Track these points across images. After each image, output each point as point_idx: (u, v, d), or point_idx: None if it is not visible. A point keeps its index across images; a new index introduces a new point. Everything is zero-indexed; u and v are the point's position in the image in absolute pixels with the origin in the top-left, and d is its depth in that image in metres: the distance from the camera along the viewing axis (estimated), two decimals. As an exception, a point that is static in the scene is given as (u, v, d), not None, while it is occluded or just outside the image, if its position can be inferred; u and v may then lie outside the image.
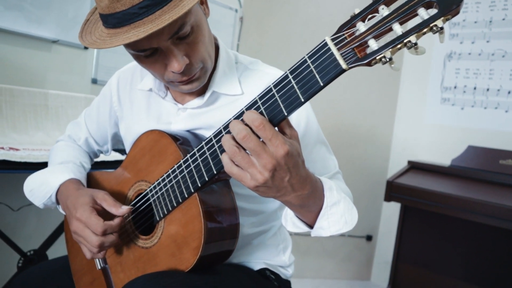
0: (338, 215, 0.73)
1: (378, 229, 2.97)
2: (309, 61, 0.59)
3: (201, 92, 0.91)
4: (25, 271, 1.05)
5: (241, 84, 0.90)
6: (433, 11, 0.54)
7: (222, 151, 0.65)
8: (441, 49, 2.64)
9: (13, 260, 1.86)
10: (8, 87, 1.73)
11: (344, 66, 0.56)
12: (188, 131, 0.90)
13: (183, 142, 0.82)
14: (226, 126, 0.66)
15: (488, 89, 2.45)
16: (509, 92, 2.38)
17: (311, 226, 0.75)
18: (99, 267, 0.95)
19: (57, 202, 0.96)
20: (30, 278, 1.01)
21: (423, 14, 0.53)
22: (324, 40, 0.58)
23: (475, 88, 2.50)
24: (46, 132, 1.82)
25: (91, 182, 1.01)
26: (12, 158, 1.45)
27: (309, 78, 0.58)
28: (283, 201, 0.68)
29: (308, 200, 0.68)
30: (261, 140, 0.60)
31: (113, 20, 0.72)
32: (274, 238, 1.01)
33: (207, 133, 0.89)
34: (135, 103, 1.00)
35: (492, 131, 2.44)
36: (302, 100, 0.59)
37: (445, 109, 2.62)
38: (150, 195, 0.83)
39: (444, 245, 2.32)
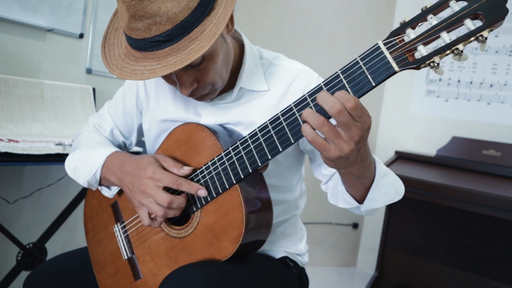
0: (388, 186, 0.78)
1: (364, 217, 3.07)
2: (361, 63, 0.62)
3: (228, 88, 0.93)
4: (39, 266, 1.04)
5: (267, 80, 0.93)
6: (478, 22, 0.58)
7: (294, 127, 0.68)
8: (427, 43, 2.73)
9: (10, 253, 1.84)
10: (3, 77, 1.69)
11: (396, 69, 0.60)
12: (219, 125, 0.92)
13: (220, 134, 0.84)
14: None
15: (471, 82, 2.56)
16: (491, 85, 2.50)
17: (359, 202, 0.80)
18: (126, 257, 0.96)
19: (100, 183, 0.95)
20: (46, 272, 1.01)
21: (469, 24, 0.58)
22: (377, 44, 0.62)
23: (459, 81, 2.61)
24: (43, 124, 1.79)
25: None
26: (14, 150, 1.43)
27: (361, 78, 0.62)
28: (345, 172, 0.72)
29: (365, 170, 0.72)
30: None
31: (129, 41, 0.76)
32: (294, 228, 1.06)
33: (235, 128, 0.92)
34: (161, 94, 1.01)
35: (475, 123, 2.56)
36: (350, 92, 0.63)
37: (430, 101, 2.72)
38: None
39: (430, 232, 2.44)
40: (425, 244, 2.43)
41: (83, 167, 0.94)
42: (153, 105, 1.03)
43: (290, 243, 1.05)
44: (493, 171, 2.28)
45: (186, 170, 0.83)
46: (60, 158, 1.52)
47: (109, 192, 0.97)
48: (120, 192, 0.99)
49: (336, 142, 0.63)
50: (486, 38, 0.57)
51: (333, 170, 0.93)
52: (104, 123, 1.10)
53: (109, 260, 1.00)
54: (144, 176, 0.81)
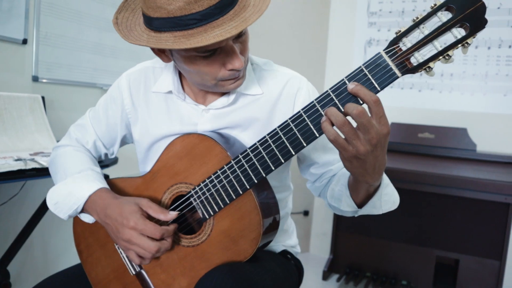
0: (388, 195, 0.85)
1: (313, 205, 3.23)
2: (365, 70, 0.70)
3: (222, 93, 0.95)
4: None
5: (260, 85, 0.97)
6: (462, 30, 0.68)
7: (315, 124, 0.72)
8: (362, 38, 2.94)
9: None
10: None
11: (399, 74, 0.68)
12: (216, 132, 0.95)
13: (220, 142, 0.86)
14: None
15: (403, 72, 2.80)
16: (420, 74, 2.75)
17: (358, 206, 0.87)
18: (134, 272, 0.95)
19: (82, 211, 0.93)
20: None
21: (456, 33, 0.68)
22: (379, 53, 0.69)
23: (392, 72, 2.83)
24: (-8, 138, 1.67)
25: (113, 189, 0.96)
26: (-28, 169, 1.33)
27: (367, 84, 0.70)
28: (362, 180, 0.75)
29: (376, 181, 0.77)
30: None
31: (186, 22, 0.73)
32: (286, 223, 1.13)
33: (233, 132, 0.95)
34: (152, 106, 1.00)
35: (409, 109, 2.81)
36: (361, 102, 0.71)
37: (368, 91, 2.92)
38: (196, 196, 0.87)
39: (378, 212, 2.64)
40: (373, 224, 2.64)
41: (65, 202, 0.91)
42: (144, 117, 1.02)
43: (285, 237, 1.12)
44: (429, 152, 2.54)
45: (173, 214, 0.84)
46: (21, 174, 1.43)
47: (89, 218, 0.95)
48: None
49: (354, 143, 0.68)
50: (469, 44, 0.68)
51: (322, 170, 0.99)
52: (86, 134, 1.08)
53: (112, 278, 0.98)
54: (127, 226, 0.82)
